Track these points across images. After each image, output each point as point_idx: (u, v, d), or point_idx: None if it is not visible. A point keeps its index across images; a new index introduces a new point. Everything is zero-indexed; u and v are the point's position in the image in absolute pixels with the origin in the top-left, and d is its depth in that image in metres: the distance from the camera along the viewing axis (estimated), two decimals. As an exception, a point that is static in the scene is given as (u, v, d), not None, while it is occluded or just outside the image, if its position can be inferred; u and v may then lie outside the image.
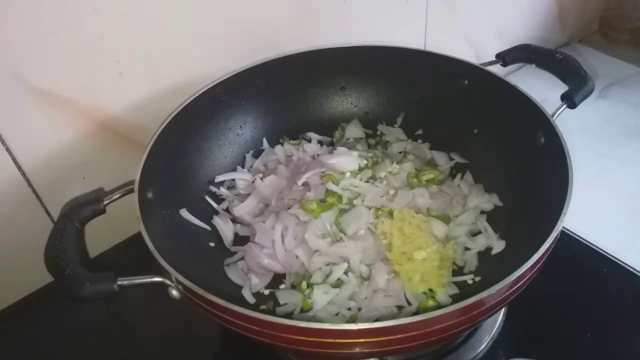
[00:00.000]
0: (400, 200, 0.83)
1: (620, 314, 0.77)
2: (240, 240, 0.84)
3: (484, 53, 1.22)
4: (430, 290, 0.74)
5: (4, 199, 0.78)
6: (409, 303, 0.73)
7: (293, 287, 0.77)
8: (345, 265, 0.76)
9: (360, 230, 0.79)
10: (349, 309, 0.73)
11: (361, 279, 0.76)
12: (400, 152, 0.96)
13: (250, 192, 0.88)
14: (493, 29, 1.25)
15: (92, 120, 0.81)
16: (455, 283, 0.76)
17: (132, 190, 0.69)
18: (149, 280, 0.60)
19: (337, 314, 0.72)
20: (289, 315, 0.73)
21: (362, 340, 0.54)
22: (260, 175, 0.90)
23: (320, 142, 0.98)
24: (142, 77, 0.83)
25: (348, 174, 0.86)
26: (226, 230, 0.83)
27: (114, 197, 0.70)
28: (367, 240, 0.78)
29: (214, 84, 0.86)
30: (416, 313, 0.58)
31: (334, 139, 0.99)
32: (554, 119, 0.76)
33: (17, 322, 0.82)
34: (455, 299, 0.72)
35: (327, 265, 0.77)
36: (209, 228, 0.83)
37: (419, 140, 0.99)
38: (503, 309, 0.78)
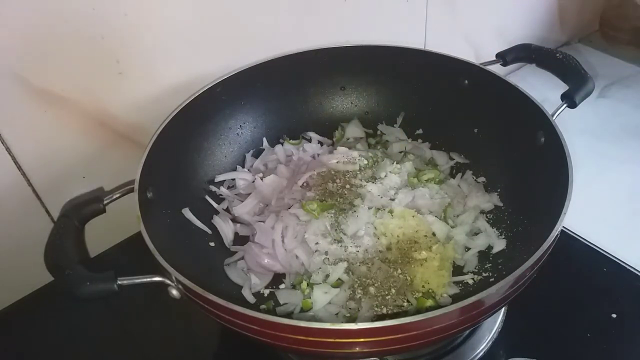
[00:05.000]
0: (400, 200, 0.83)
1: (620, 313, 0.77)
2: (240, 240, 0.84)
3: (484, 53, 1.22)
4: (430, 290, 0.74)
5: (4, 199, 0.78)
6: (409, 303, 0.73)
7: (293, 287, 0.77)
8: (345, 265, 0.76)
9: (360, 231, 0.79)
10: (349, 309, 0.73)
11: (361, 279, 0.75)
12: (401, 152, 0.96)
13: (250, 192, 0.88)
14: (493, 29, 1.25)
15: (92, 120, 0.81)
16: (456, 283, 0.76)
17: (132, 190, 0.69)
18: (149, 279, 0.60)
19: (337, 314, 0.72)
20: (289, 315, 0.73)
21: (362, 340, 0.54)
22: (261, 175, 0.90)
23: (320, 142, 0.98)
24: (142, 77, 0.83)
25: (348, 174, 0.86)
26: (226, 230, 0.83)
27: (114, 197, 0.70)
28: (367, 241, 0.78)
29: (214, 83, 0.86)
30: (416, 313, 0.58)
31: (334, 139, 0.99)
32: (554, 118, 0.76)
33: (17, 322, 0.82)
34: (456, 298, 0.72)
35: (327, 265, 0.77)
36: (209, 231, 0.83)
37: (419, 140, 0.99)
38: (503, 308, 0.78)
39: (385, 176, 0.86)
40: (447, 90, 0.93)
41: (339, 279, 0.76)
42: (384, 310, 0.71)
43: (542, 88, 0.90)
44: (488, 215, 0.85)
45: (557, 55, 0.86)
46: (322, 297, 0.73)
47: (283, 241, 0.79)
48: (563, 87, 0.81)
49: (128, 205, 0.67)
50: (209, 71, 0.87)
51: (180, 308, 0.66)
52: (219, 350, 0.80)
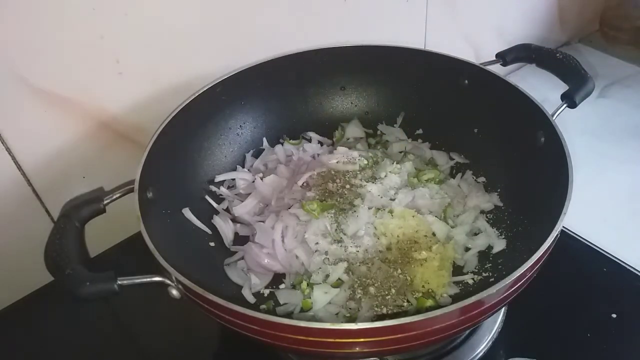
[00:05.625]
0: (400, 201, 0.83)
1: (620, 313, 0.77)
2: (240, 240, 0.84)
3: (484, 53, 1.22)
4: (430, 290, 0.74)
5: (4, 199, 0.78)
6: (409, 303, 0.73)
7: (293, 287, 0.77)
8: (345, 265, 0.76)
9: (360, 231, 0.79)
10: (349, 309, 0.73)
11: (361, 279, 0.76)
12: (401, 152, 0.96)
13: (250, 192, 0.88)
14: (493, 29, 1.25)
15: (92, 120, 0.81)
16: (456, 283, 0.76)
17: (132, 190, 0.69)
18: (149, 279, 0.60)
19: (337, 314, 0.72)
20: (289, 315, 0.73)
21: (362, 340, 0.54)
22: (260, 174, 0.90)
23: (320, 142, 0.98)
24: (142, 77, 0.83)
25: (348, 174, 0.86)
26: (226, 229, 0.83)
27: (114, 197, 0.70)
28: (367, 241, 0.78)
29: (214, 83, 0.86)
30: (416, 313, 0.58)
31: (334, 139, 0.99)
32: (554, 118, 0.76)
33: (17, 322, 0.82)
34: (456, 298, 0.72)
35: (327, 265, 0.77)
36: (209, 231, 0.83)
37: (419, 140, 0.99)
38: (503, 308, 0.78)
39: (385, 176, 0.86)
40: (447, 90, 0.93)
41: (339, 279, 0.76)
42: (384, 310, 0.71)
43: (542, 88, 0.90)
44: (488, 215, 0.85)
45: (557, 55, 0.86)
46: (322, 297, 0.73)
47: (283, 241, 0.79)
48: (563, 87, 0.81)
49: (128, 205, 0.67)
50: (209, 71, 0.87)
51: (180, 308, 0.65)
52: (219, 350, 0.80)
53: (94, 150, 0.83)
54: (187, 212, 0.80)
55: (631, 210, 0.96)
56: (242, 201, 0.87)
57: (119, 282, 0.58)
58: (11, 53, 0.70)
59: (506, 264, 0.76)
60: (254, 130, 0.96)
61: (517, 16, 1.29)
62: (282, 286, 0.78)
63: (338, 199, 0.82)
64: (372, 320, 0.57)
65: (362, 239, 0.78)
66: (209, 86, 0.85)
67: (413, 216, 0.81)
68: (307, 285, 0.75)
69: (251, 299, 0.75)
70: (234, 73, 0.88)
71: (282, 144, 0.97)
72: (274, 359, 0.74)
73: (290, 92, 0.97)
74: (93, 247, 0.88)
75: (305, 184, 0.85)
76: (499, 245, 0.79)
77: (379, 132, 1.00)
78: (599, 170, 1.03)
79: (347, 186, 0.84)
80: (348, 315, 0.72)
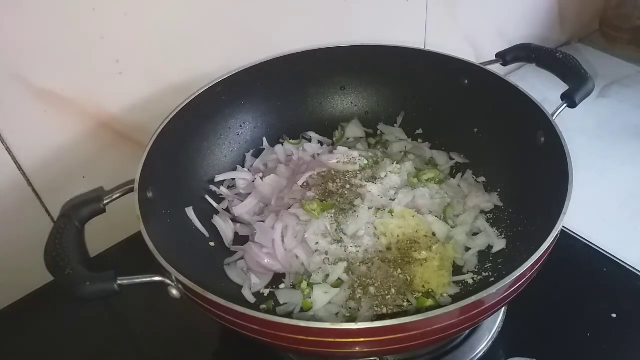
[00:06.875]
0: (400, 200, 0.83)
1: (620, 313, 0.77)
2: (240, 240, 0.84)
3: (484, 52, 1.22)
4: (431, 290, 0.74)
5: (4, 199, 0.78)
6: (409, 303, 0.73)
7: (293, 287, 0.77)
8: (345, 265, 0.76)
9: (360, 231, 0.79)
10: (349, 308, 0.73)
11: (361, 279, 0.75)
12: (401, 152, 0.96)
13: (251, 192, 0.88)
14: (493, 29, 1.25)
15: (92, 120, 0.81)
16: (456, 283, 0.76)
17: (132, 190, 0.69)
18: (149, 279, 0.60)
19: (337, 314, 0.72)
20: (289, 315, 0.73)
21: (362, 339, 0.54)
22: (261, 174, 0.90)
23: (320, 142, 0.98)
24: (142, 77, 0.83)
25: (348, 174, 0.86)
26: (226, 229, 0.83)
27: (114, 197, 0.70)
28: (367, 241, 0.78)
29: (214, 83, 0.86)
30: (416, 313, 0.58)
31: (334, 139, 0.99)
32: (554, 118, 0.76)
33: (17, 322, 0.82)
34: (456, 298, 0.72)
35: (327, 265, 0.77)
36: (207, 234, 0.82)
37: (419, 140, 0.99)
38: (503, 308, 0.78)
39: (386, 176, 0.86)
40: (447, 90, 0.93)
41: (339, 279, 0.76)
42: (384, 310, 0.71)
43: (542, 88, 0.90)
44: (488, 215, 0.85)
45: (557, 55, 0.86)
46: (322, 297, 0.73)
47: (283, 241, 0.79)
48: (563, 87, 0.81)
49: (128, 205, 0.67)
50: (209, 70, 0.87)
51: (180, 308, 0.65)
52: (219, 350, 0.80)
53: (94, 150, 0.83)
54: (190, 212, 0.80)
55: (631, 210, 0.96)
56: (242, 201, 0.87)
57: (119, 282, 0.58)
58: (11, 53, 0.70)
59: (506, 264, 0.77)
60: (254, 130, 0.96)
61: (517, 16, 1.29)
62: (282, 286, 0.78)
63: (338, 199, 0.82)
64: (372, 320, 0.56)
65: (362, 239, 0.78)
66: (209, 86, 0.85)
67: (413, 216, 0.81)
68: (307, 285, 0.75)
69: (251, 299, 0.75)
70: (234, 73, 0.88)
71: (282, 143, 0.97)
72: (274, 359, 0.74)
73: (290, 92, 0.97)
74: (93, 247, 0.88)
75: (305, 184, 0.85)
76: (499, 245, 0.79)
77: (379, 132, 1.00)
78: (599, 170, 1.03)
79: (347, 186, 0.84)
80: (348, 315, 0.72)
